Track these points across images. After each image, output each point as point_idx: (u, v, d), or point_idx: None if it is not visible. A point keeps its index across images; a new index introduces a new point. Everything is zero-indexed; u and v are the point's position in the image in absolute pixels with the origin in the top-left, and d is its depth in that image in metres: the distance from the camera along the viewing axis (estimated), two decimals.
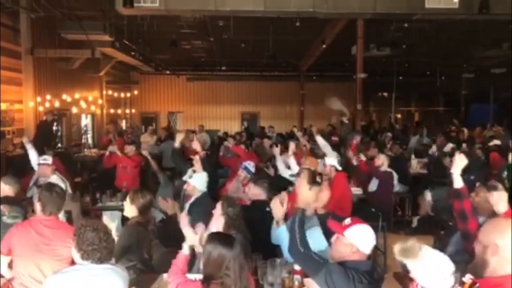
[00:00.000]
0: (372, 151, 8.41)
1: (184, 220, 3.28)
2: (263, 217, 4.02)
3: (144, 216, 4.02)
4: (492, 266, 2.04)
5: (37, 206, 3.56)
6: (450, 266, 2.50)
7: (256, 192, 4.54)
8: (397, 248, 2.44)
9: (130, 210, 4.04)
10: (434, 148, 8.69)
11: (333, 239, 2.86)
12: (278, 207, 3.62)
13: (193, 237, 3.17)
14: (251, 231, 3.82)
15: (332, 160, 6.35)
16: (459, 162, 3.34)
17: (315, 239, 3.43)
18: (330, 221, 2.97)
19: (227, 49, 16.27)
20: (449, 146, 8.75)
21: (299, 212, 2.95)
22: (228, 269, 2.63)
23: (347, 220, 2.85)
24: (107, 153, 7.54)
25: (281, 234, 3.65)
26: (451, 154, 7.88)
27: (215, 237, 2.81)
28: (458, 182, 3.35)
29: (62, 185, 4.93)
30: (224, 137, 13.09)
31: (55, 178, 5.29)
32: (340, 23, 12.14)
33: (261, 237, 3.77)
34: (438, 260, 2.52)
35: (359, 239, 2.74)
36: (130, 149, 7.09)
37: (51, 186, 3.72)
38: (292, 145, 6.68)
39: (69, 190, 5.49)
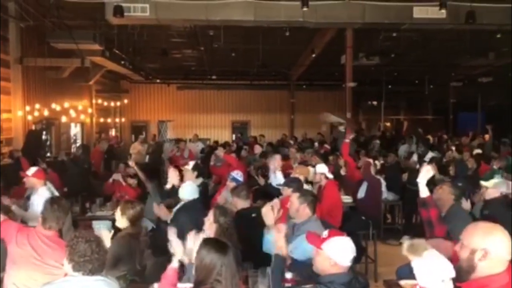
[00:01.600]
0: (363, 159, 8.47)
1: (171, 232, 3.27)
2: (249, 224, 4.04)
3: (135, 227, 4.01)
4: (480, 270, 2.08)
5: (39, 218, 3.57)
6: (451, 270, 2.56)
7: (236, 201, 4.64)
8: (405, 243, 2.56)
9: (122, 221, 4.04)
10: (415, 157, 8.75)
11: (313, 252, 2.86)
12: (268, 213, 3.66)
13: (181, 249, 3.16)
14: (240, 240, 3.84)
15: (322, 168, 6.39)
16: (425, 173, 3.47)
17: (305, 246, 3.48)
18: (308, 235, 2.97)
19: (218, 58, 16.31)
20: (430, 155, 8.83)
21: (277, 259, 3.03)
22: (220, 275, 2.62)
23: (325, 233, 2.85)
24: (110, 180, 7.63)
25: (269, 242, 3.67)
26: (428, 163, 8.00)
27: (209, 243, 2.81)
28: (424, 192, 3.49)
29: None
30: (214, 146, 13.14)
31: (43, 190, 5.22)
32: (329, 32, 12.26)
33: (250, 245, 3.79)
34: (440, 262, 2.58)
35: (337, 252, 2.73)
36: (132, 181, 7.23)
37: (53, 200, 3.72)
38: (277, 158, 6.91)
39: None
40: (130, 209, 4.02)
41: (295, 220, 3.89)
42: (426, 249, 2.62)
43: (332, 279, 2.70)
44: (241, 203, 4.61)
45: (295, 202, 3.92)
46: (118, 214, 4.08)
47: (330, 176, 6.41)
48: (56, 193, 5.43)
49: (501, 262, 2.08)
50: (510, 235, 2.14)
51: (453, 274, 2.55)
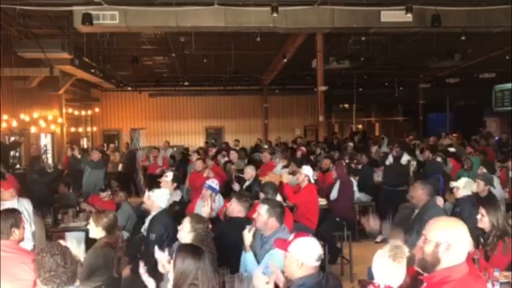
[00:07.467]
0: (325, 162, 8.67)
1: (142, 268, 3.20)
2: (240, 235, 3.82)
3: (112, 235, 3.96)
4: (444, 262, 2.21)
5: None
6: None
7: (237, 209, 4.43)
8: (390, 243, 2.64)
9: (96, 231, 3.97)
10: (390, 159, 8.89)
11: (283, 258, 2.88)
12: (247, 235, 3.65)
13: (153, 284, 3.14)
14: (226, 248, 3.82)
15: (308, 170, 6.47)
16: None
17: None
18: (276, 240, 3.01)
19: (190, 64, 16.27)
20: (406, 158, 8.97)
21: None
22: (196, 279, 2.65)
23: (291, 236, 2.89)
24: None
25: (246, 260, 3.65)
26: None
27: (184, 249, 2.83)
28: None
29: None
30: (186, 153, 13.11)
31: (10, 203, 5.11)
32: (300, 37, 12.39)
33: (235, 255, 3.76)
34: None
35: (302, 252, 2.77)
36: (105, 194, 7.05)
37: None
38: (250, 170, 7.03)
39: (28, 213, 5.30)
40: (103, 218, 3.97)
41: (263, 232, 3.82)
42: (404, 257, 2.63)
43: (302, 281, 2.73)
44: (241, 212, 4.42)
45: (264, 215, 3.75)
46: (91, 225, 4.00)
47: (312, 181, 6.51)
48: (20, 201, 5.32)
49: (462, 254, 2.23)
50: (476, 229, 2.24)
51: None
